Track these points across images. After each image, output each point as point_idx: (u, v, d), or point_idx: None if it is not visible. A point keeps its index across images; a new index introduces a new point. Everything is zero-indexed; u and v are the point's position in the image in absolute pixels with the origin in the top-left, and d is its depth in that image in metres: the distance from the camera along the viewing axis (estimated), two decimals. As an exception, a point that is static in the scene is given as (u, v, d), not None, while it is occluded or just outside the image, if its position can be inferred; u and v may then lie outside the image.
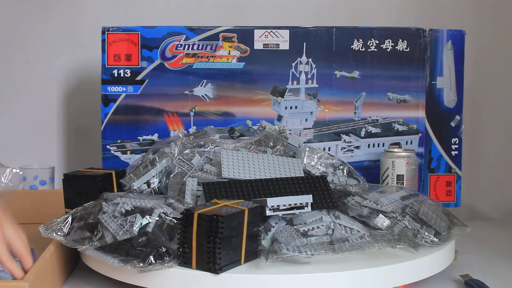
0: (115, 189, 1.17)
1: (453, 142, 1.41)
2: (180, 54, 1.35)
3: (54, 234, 1.02)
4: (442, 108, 1.40)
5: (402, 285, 0.99)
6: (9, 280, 0.93)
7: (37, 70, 1.66)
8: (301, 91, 1.38)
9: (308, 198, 1.03)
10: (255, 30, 1.36)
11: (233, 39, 1.35)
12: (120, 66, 1.35)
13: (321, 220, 1.05)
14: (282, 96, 1.37)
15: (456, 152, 1.41)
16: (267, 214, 1.00)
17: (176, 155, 1.21)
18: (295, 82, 1.37)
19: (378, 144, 1.39)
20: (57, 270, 1.02)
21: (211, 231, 0.90)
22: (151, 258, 0.92)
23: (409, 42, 1.38)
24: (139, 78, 1.35)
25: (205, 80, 1.36)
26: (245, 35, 1.36)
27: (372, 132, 1.39)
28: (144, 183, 1.18)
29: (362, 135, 1.39)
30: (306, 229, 1.02)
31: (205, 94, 1.36)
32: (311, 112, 1.38)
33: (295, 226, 1.02)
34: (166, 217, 0.98)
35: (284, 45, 1.36)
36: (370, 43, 1.37)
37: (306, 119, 1.38)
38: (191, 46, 1.35)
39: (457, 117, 1.41)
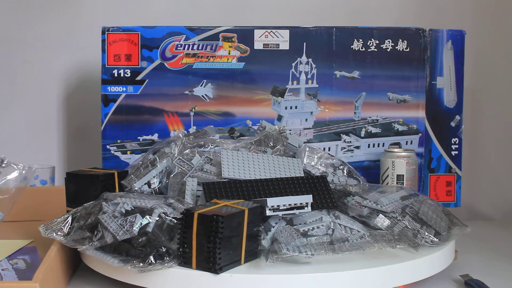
0: (117, 189, 1.17)
1: (453, 142, 1.41)
2: (180, 54, 1.35)
3: (54, 234, 1.02)
4: (442, 108, 1.40)
5: (402, 285, 0.99)
6: (20, 281, 0.93)
7: (37, 70, 1.66)
8: (301, 91, 1.38)
9: (308, 198, 1.03)
10: (255, 30, 1.36)
11: (233, 39, 1.35)
12: (120, 66, 1.35)
13: (321, 220, 1.05)
14: (282, 96, 1.37)
15: (456, 152, 1.41)
16: (267, 214, 1.00)
17: (176, 155, 1.21)
18: (295, 82, 1.37)
19: (378, 144, 1.39)
20: (62, 269, 1.03)
21: (211, 231, 0.90)
22: (151, 258, 0.92)
23: (409, 42, 1.38)
24: (139, 78, 1.35)
25: (205, 80, 1.36)
26: (245, 35, 1.36)
27: (372, 132, 1.39)
28: (145, 184, 1.18)
29: (362, 135, 1.39)
30: (306, 229, 1.02)
31: (205, 94, 1.36)
32: (311, 112, 1.38)
33: (295, 226, 1.02)
34: (166, 217, 0.98)
35: (284, 45, 1.36)
36: (370, 43, 1.37)
37: (306, 119, 1.38)
38: (191, 46, 1.35)
39: (457, 117, 1.41)
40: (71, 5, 1.65)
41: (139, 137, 1.36)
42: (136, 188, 1.17)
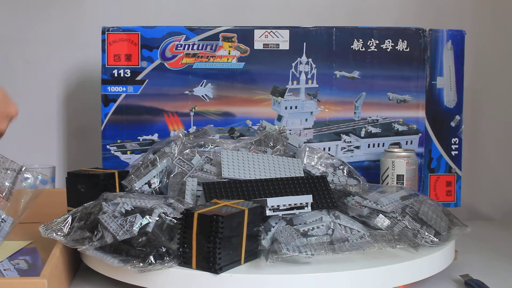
0: (117, 189, 1.17)
1: (453, 142, 1.41)
2: (180, 54, 1.35)
3: (54, 234, 1.02)
4: (442, 108, 1.40)
5: (402, 285, 0.99)
6: (29, 277, 0.94)
7: (37, 70, 1.66)
8: (301, 91, 1.38)
9: (308, 198, 1.03)
10: (255, 30, 1.36)
11: (233, 39, 1.35)
12: (120, 66, 1.35)
13: (321, 220, 1.05)
14: (282, 96, 1.37)
15: (456, 152, 1.41)
16: (267, 214, 1.00)
17: (176, 155, 1.21)
18: (295, 82, 1.37)
19: (378, 144, 1.39)
20: (66, 268, 1.03)
21: (211, 231, 0.90)
22: (151, 258, 0.92)
23: (409, 42, 1.38)
24: (139, 78, 1.35)
25: (205, 80, 1.36)
26: (245, 35, 1.36)
27: (372, 132, 1.39)
28: (145, 184, 1.18)
29: (362, 135, 1.39)
30: (306, 229, 1.02)
31: (205, 94, 1.36)
32: (311, 112, 1.38)
33: (295, 226, 1.02)
34: (166, 217, 0.98)
35: (284, 45, 1.36)
36: (370, 43, 1.37)
37: (306, 119, 1.38)
38: (191, 46, 1.35)
39: (457, 117, 1.41)
40: (71, 5, 1.65)
41: (139, 137, 1.36)
42: (136, 188, 1.17)
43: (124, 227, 0.97)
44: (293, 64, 1.37)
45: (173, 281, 0.93)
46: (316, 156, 1.25)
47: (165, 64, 1.35)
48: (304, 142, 1.33)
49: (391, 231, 1.04)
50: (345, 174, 1.24)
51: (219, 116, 1.37)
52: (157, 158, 1.20)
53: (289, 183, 1.11)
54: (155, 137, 1.36)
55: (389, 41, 1.38)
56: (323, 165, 1.25)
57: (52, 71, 1.66)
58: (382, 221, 1.06)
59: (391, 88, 1.39)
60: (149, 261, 0.92)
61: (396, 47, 1.38)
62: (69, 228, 1.03)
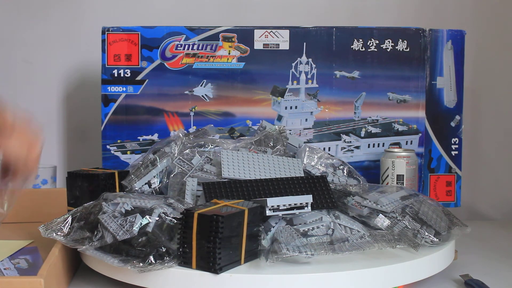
0: (117, 189, 1.17)
1: (453, 142, 1.41)
2: (180, 54, 1.35)
3: (54, 234, 1.02)
4: (442, 108, 1.40)
5: (402, 285, 0.99)
6: (25, 276, 0.94)
7: (37, 70, 1.66)
8: (301, 91, 1.38)
9: (308, 198, 1.03)
10: (255, 30, 1.36)
11: (233, 39, 1.35)
12: (120, 66, 1.35)
13: (321, 220, 1.05)
14: (282, 96, 1.37)
15: (456, 152, 1.41)
16: (267, 214, 1.00)
17: (176, 154, 1.21)
18: (295, 82, 1.37)
19: (378, 144, 1.39)
20: (65, 268, 1.03)
21: (211, 231, 0.90)
22: (151, 258, 0.92)
23: (409, 42, 1.38)
24: (139, 78, 1.35)
25: (205, 80, 1.36)
26: (245, 35, 1.36)
27: (372, 132, 1.39)
28: (145, 184, 1.18)
29: (362, 135, 1.39)
30: (306, 229, 1.02)
31: (205, 94, 1.36)
32: (311, 112, 1.38)
33: (295, 226, 1.02)
34: (166, 217, 0.98)
35: (284, 45, 1.36)
36: (370, 43, 1.37)
37: (306, 119, 1.38)
38: (191, 46, 1.35)
39: (457, 117, 1.41)
40: (71, 5, 1.65)
41: (139, 137, 1.36)
42: (136, 188, 1.17)
43: (124, 227, 0.97)
44: (293, 64, 1.37)
45: (173, 281, 0.93)
46: (316, 156, 1.25)
47: (165, 64, 1.35)
48: (304, 142, 1.33)
49: (391, 231, 1.04)
50: (345, 174, 1.24)
51: (219, 116, 1.37)
52: (157, 158, 1.20)
53: (289, 183, 1.11)
54: (155, 137, 1.36)
55: (389, 41, 1.38)
56: (323, 165, 1.25)
57: (52, 71, 1.66)
58: (382, 221, 1.06)
59: (391, 88, 1.39)
60: (149, 261, 0.92)
61: (396, 47, 1.38)
62: (69, 228, 1.03)
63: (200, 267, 0.92)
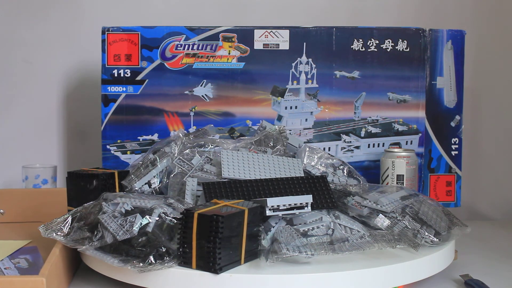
0: (117, 189, 1.17)
1: (453, 142, 1.41)
2: (180, 54, 1.35)
3: (54, 234, 1.02)
4: (442, 108, 1.40)
5: (402, 285, 0.99)
6: (27, 275, 0.94)
7: (37, 70, 1.66)
8: (301, 91, 1.38)
9: (308, 198, 1.03)
10: (255, 30, 1.36)
11: (233, 39, 1.35)
12: (120, 66, 1.35)
13: (321, 220, 1.05)
14: (282, 96, 1.37)
15: (456, 152, 1.41)
16: (267, 214, 1.00)
17: (176, 154, 1.21)
18: (295, 82, 1.37)
19: (378, 144, 1.39)
20: (65, 267, 1.03)
21: (211, 231, 0.90)
22: (151, 258, 0.92)
23: (409, 42, 1.38)
24: (139, 78, 1.35)
25: (205, 80, 1.36)
26: (245, 35, 1.36)
27: (372, 132, 1.39)
28: (145, 184, 1.18)
29: (362, 135, 1.39)
30: (306, 229, 1.02)
31: (205, 94, 1.36)
32: (311, 112, 1.38)
33: (295, 226, 1.02)
34: (166, 217, 0.98)
35: (284, 45, 1.36)
36: (370, 43, 1.37)
37: (306, 119, 1.38)
38: (191, 46, 1.35)
39: (457, 117, 1.41)
40: (71, 5, 1.65)
41: (139, 137, 1.36)
42: (136, 188, 1.17)
43: (124, 227, 0.97)
44: (293, 64, 1.37)
45: (173, 281, 0.93)
46: (316, 156, 1.25)
47: (165, 64, 1.35)
48: (304, 142, 1.33)
49: (391, 231, 1.04)
50: (345, 174, 1.24)
51: (219, 116, 1.37)
52: (157, 158, 1.20)
53: (289, 183, 1.11)
54: (155, 137, 1.36)
55: (389, 41, 1.38)
56: (323, 165, 1.25)
57: (52, 71, 1.66)
58: (382, 221, 1.06)
59: (391, 88, 1.39)
60: (149, 261, 0.92)
61: (396, 47, 1.38)
62: (69, 228, 1.03)
63: (200, 267, 0.92)
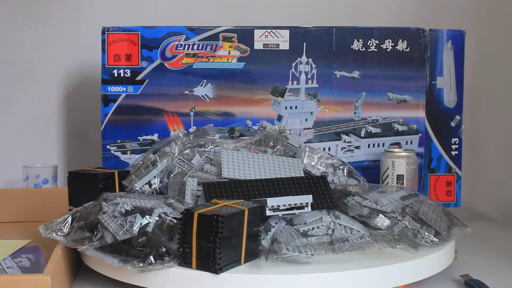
0: (117, 189, 1.17)
1: (453, 142, 1.41)
2: (180, 54, 1.35)
3: (54, 234, 1.02)
4: (442, 108, 1.40)
5: (402, 285, 0.99)
6: (32, 274, 0.94)
7: (37, 70, 1.66)
8: (301, 91, 1.38)
9: (308, 198, 1.03)
10: (255, 30, 1.36)
11: (233, 39, 1.35)
12: (120, 66, 1.35)
13: (321, 220, 1.05)
14: (282, 96, 1.37)
15: (456, 152, 1.41)
16: (267, 214, 1.00)
17: (176, 155, 1.21)
18: (295, 82, 1.37)
19: (378, 144, 1.39)
20: (68, 266, 1.03)
21: (211, 231, 0.90)
22: (151, 258, 0.92)
23: (409, 42, 1.38)
24: (139, 78, 1.35)
25: (205, 80, 1.36)
26: (245, 35, 1.36)
27: (372, 132, 1.39)
28: (146, 184, 1.18)
29: (362, 135, 1.39)
30: (306, 229, 1.02)
31: (205, 94, 1.36)
32: (311, 112, 1.38)
33: (295, 226, 1.02)
34: (166, 217, 0.98)
35: (284, 45, 1.36)
36: (370, 43, 1.37)
37: (306, 119, 1.38)
38: (191, 46, 1.35)
39: (457, 117, 1.41)
40: (71, 6, 1.65)
41: (139, 137, 1.36)
42: (137, 188, 1.17)
43: (124, 227, 0.97)
44: (293, 64, 1.37)
45: (173, 281, 0.93)
46: (316, 156, 1.25)
47: (165, 64, 1.35)
48: (304, 142, 1.33)
49: (391, 231, 1.04)
50: (345, 174, 1.24)
51: (219, 116, 1.37)
52: (157, 158, 1.20)
53: (289, 183, 1.11)
54: (155, 137, 1.36)
55: (389, 41, 1.38)
56: (323, 165, 1.25)
57: (52, 71, 1.66)
58: (382, 221, 1.06)
59: (391, 88, 1.39)
60: (149, 261, 0.92)
61: (396, 47, 1.38)
62: (69, 228, 1.03)
63: (200, 267, 0.92)
